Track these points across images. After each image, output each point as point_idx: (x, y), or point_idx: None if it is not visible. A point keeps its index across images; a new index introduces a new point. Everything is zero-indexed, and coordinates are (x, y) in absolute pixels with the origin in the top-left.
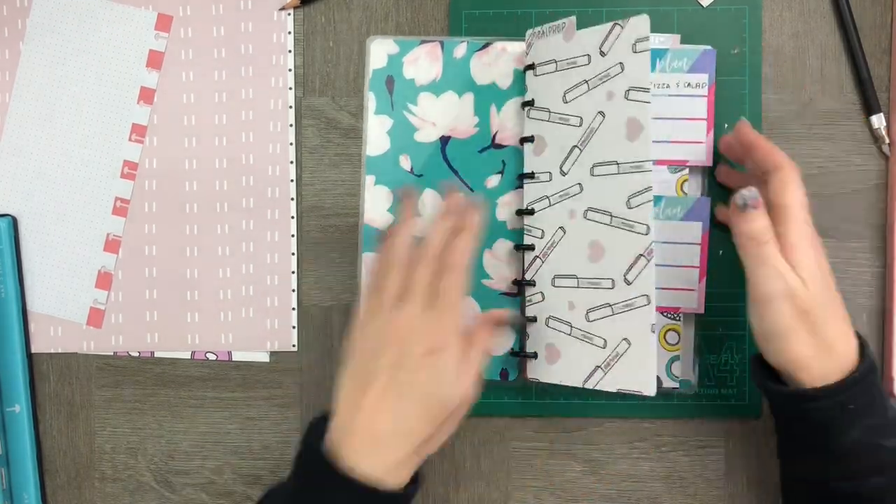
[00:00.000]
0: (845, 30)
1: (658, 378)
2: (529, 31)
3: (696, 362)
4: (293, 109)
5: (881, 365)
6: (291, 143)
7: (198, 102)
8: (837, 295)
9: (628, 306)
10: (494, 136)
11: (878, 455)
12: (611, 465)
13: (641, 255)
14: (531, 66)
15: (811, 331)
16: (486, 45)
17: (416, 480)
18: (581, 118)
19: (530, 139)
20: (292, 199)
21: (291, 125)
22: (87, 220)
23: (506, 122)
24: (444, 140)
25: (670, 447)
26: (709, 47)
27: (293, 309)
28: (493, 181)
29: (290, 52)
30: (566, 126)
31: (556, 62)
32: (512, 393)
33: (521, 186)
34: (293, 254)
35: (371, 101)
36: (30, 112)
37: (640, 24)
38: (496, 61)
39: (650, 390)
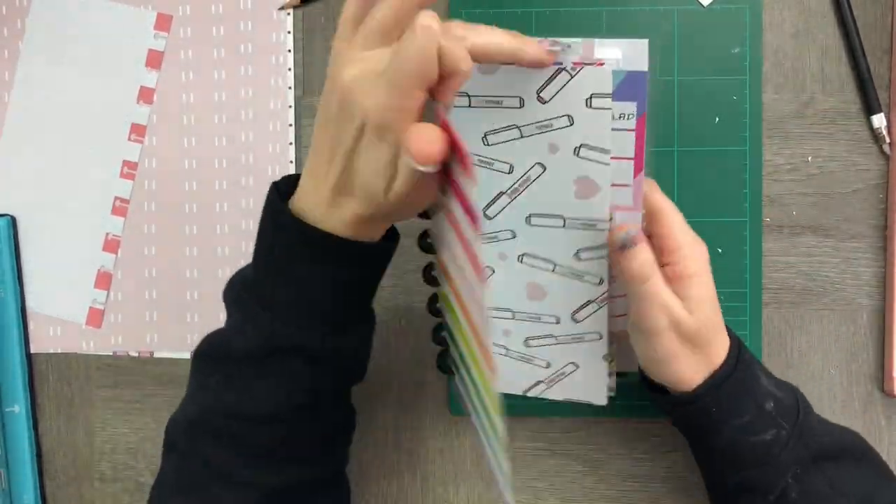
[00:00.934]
0: (846, 29)
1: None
2: None
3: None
4: (293, 109)
5: (881, 364)
6: (291, 143)
7: (198, 102)
8: (717, 304)
9: (577, 339)
10: None
11: (751, 451)
12: (611, 465)
13: (592, 301)
14: None
15: (693, 352)
16: None
17: (391, 237)
18: (511, 165)
19: None
20: None
21: (291, 125)
22: (87, 219)
23: None
24: None
25: (670, 447)
26: (644, 70)
27: None
28: None
29: (289, 51)
30: (490, 170)
31: (469, 96)
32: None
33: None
34: None
35: None
36: (29, 111)
37: (598, 76)
38: None
39: (601, 401)
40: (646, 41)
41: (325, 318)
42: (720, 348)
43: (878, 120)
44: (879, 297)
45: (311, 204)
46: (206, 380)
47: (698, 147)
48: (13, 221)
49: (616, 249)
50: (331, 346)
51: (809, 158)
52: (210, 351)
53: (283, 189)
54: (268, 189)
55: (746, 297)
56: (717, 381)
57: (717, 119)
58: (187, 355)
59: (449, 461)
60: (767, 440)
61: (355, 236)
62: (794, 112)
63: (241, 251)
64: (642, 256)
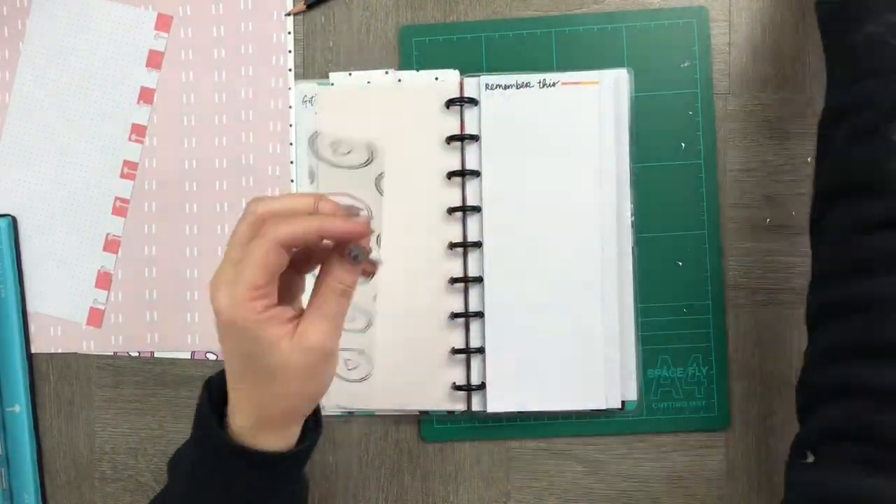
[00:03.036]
0: None
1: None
2: None
3: (639, 381)
4: (293, 110)
5: None
6: (291, 143)
7: (198, 102)
8: None
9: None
10: None
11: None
12: (611, 465)
13: None
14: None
15: None
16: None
17: (316, 426)
18: None
19: None
20: None
21: (291, 125)
22: (87, 219)
23: None
24: None
25: (670, 447)
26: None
27: None
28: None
29: (290, 52)
30: None
31: None
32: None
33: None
34: None
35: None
36: (29, 112)
37: None
38: None
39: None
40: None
41: None
42: None
43: None
44: None
45: (239, 422)
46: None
47: (654, 162)
48: (13, 221)
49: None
50: None
51: (809, 158)
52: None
53: (215, 385)
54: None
55: (709, 308)
56: None
57: (683, 145)
58: (188, 355)
59: (449, 461)
60: None
61: (283, 448)
62: (794, 112)
63: None
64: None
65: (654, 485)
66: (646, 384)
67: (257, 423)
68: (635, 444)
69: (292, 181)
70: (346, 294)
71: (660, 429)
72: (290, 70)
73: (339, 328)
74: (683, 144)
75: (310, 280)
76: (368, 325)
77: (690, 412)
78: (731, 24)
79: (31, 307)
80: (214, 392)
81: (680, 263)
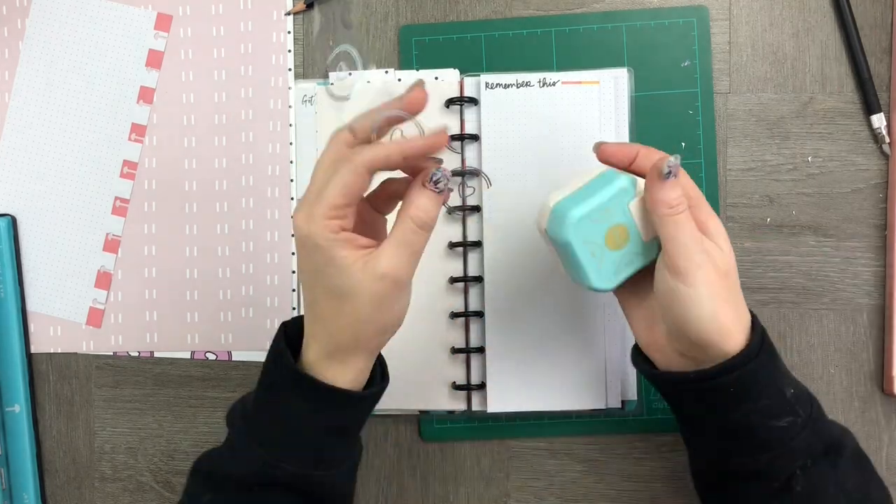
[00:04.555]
0: (845, 29)
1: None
2: None
3: (639, 381)
4: (293, 109)
5: (881, 364)
6: (291, 143)
7: (198, 102)
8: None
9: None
10: None
11: (767, 435)
12: (611, 465)
13: None
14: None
15: (730, 297)
16: None
17: (382, 378)
18: None
19: None
20: (292, 198)
21: (291, 125)
22: (87, 219)
23: None
24: None
25: (670, 447)
26: None
27: (293, 308)
28: None
29: (289, 52)
30: None
31: None
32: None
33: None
34: (293, 254)
35: None
36: (29, 111)
37: None
38: None
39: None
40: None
41: (315, 456)
42: (746, 313)
43: (878, 120)
44: (879, 296)
45: (312, 354)
46: (199, 498)
47: None
48: (13, 221)
49: (659, 177)
50: (319, 482)
51: (809, 158)
52: (206, 470)
53: (291, 331)
54: (267, 208)
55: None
56: (744, 358)
57: (683, 145)
58: (187, 355)
59: (449, 461)
60: (782, 426)
61: (351, 385)
62: (794, 112)
63: (240, 251)
64: (679, 188)
65: (654, 485)
66: (646, 384)
67: (329, 352)
68: (635, 444)
69: (292, 181)
70: (426, 226)
71: (660, 429)
72: (289, 70)
73: (415, 261)
74: (683, 144)
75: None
76: None
77: None
78: (731, 23)
79: (30, 307)
80: (290, 333)
81: None
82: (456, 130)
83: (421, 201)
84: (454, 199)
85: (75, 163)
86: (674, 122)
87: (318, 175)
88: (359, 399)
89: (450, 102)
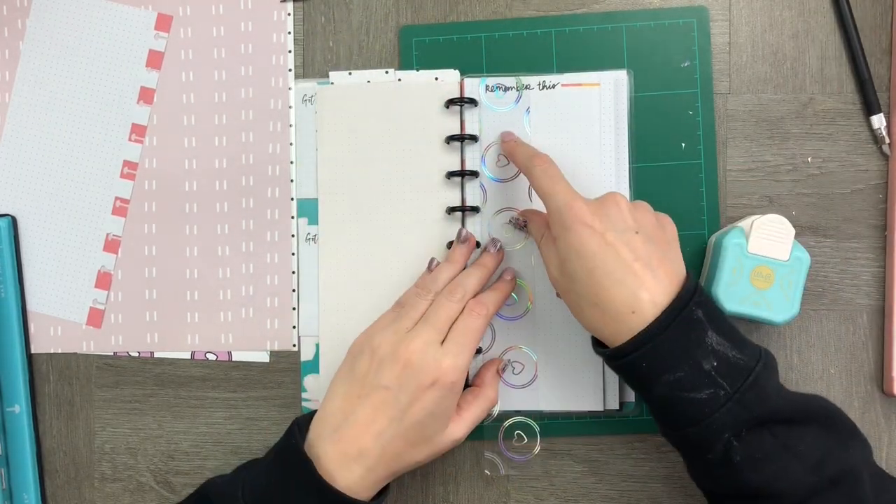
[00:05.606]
0: (845, 30)
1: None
2: None
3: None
4: (293, 110)
5: (881, 364)
6: (291, 143)
7: (198, 102)
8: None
9: None
10: None
11: (682, 407)
12: (611, 465)
13: None
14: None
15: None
16: None
17: (384, 490)
18: None
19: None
20: (292, 199)
21: (291, 125)
22: (87, 220)
23: None
24: None
25: (670, 447)
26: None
27: (293, 309)
28: None
29: (290, 51)
30: None
31: None
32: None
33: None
34: (293, 254)
35: None
36: (30, 112)
37: None
38: None
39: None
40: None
41: None
42: (671, 273)
43: (878, 120)
44: (879, 297)
45: (334, 460)
46: None
47: (654, 162)
48: (13, 221)
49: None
50: None
51: (809, 159)
52: None
53: (302, 426)
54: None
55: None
56: (650, 334)
57: (683, 145)
58: (188, 356)
59: (449, 461)
60: (701, 398)
61: (363, 493)
62: (793, 112)
63: (240, 251)
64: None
65: (654, 485)
66: None
67: (368, 475)
68: (635, 444)
69: (292, 181)
70: (488, 407)
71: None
72: (290, 70)
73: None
74: (683, 144)
75: None
76: None
77: None
78: (731, 24)
79: (30, 307)
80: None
81: None
82: (456, 131)
83: (495, 386)
84: (454, 199)
85: (76, 163)
86: (674, 122)
87: (438, 316)
88: None
89: (450, 103)
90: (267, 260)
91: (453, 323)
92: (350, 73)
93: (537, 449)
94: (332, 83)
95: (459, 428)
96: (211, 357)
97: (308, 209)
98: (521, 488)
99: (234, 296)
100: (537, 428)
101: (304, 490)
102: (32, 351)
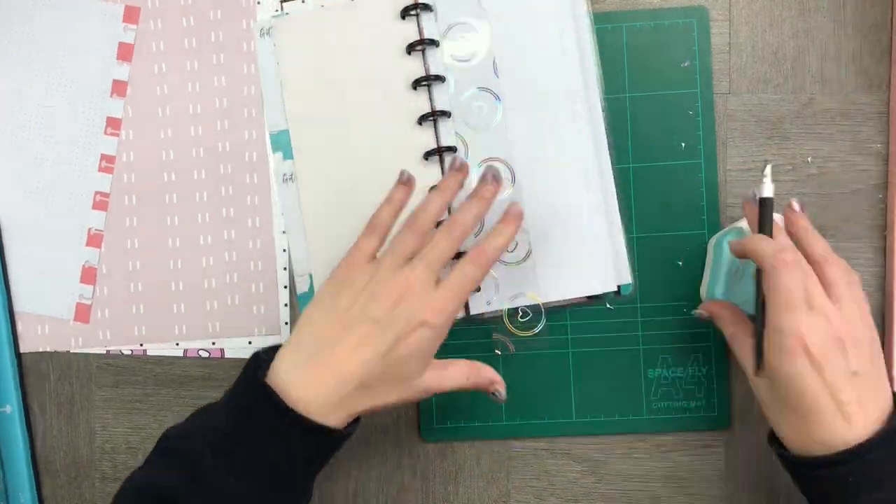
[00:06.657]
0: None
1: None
2: None
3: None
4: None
5: None
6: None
7: (171, 93)
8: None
9: None
10: None
11: None
12: (611, 465)
13: None
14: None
15: (854, 382)
16: None
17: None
18: None
19: None
20: (271, 187)
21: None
22: (69, 216)
23: None
24: None
25: (670, 447)
26: None
27: (284, 287)
28: None
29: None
30: None
31: None
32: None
33: None
34: (284, 231)
35: None
36: (3, 110)
37: None
38: None
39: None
40: None
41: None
42: (882, 399)
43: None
44: (879, 297)
45: (304, 387)
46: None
47: (654, 162)
48: None
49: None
50: None
51: (809, 158)
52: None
53: (264, 358)
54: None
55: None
56: (866, 448)
57: (683, 145)
58: (181, 353)
59: (449, 461)
60: None
61: (333, 421)
62: (793, 112)
63: (222, 239)
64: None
65: (654, 485)
66: (646, 384)
67: (342, 405)
68: (635, 444)
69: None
70: (469, 372)
71: (660, 429)
72: None
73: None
74: (683, 144)
75: None
76: None
77: (690, 412)
78: (731, 24)
79: (16, 306)
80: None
81: (680, 263)
82: (415, 37)
83: (481, 366)
84: (422, 107)
85: (53, 159)
86: (674, 122)
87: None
88: (342, 437)
89: (405, 13)
90: (249, 246)
91: (451, 271)
92: (304, 2)
93: (543, 321)
94: (287, 14)
95: (433, 378)
96: (203, 354)
97: (282, 143)
98: (521, 488)
99: (218, 284)
100: (540, 300)
101: (273, 423)
102: (21, 350)
